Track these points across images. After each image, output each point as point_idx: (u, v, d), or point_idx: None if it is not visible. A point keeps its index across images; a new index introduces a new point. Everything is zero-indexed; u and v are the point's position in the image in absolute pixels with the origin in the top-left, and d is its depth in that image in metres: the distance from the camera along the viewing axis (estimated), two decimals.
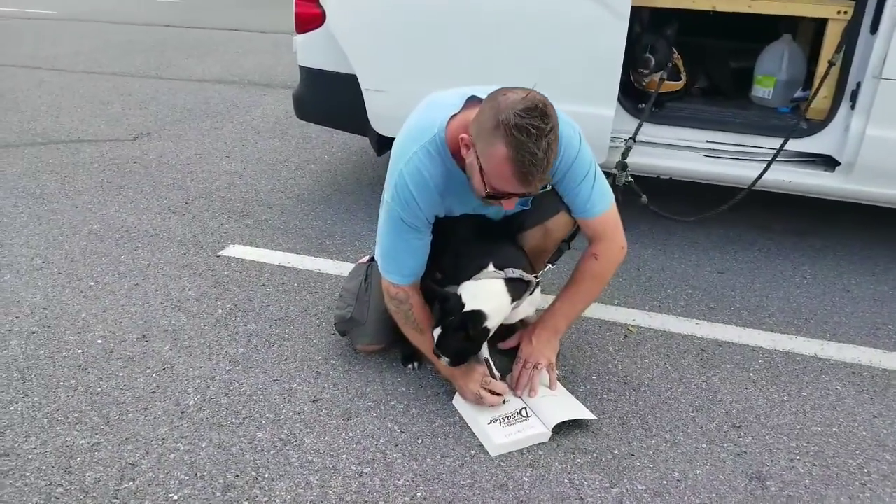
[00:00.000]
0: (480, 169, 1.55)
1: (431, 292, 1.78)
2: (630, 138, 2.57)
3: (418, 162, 1.68)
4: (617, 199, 2.32)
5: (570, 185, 1.75)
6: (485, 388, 1.78)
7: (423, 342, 1.84)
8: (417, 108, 1.81)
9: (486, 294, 1.73)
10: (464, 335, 1.70)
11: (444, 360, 1.75)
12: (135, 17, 9.08)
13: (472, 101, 1.69)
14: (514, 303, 1.78)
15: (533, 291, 1.84)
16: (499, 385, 1.80)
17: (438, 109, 1.71)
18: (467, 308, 1.70)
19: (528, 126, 1.44)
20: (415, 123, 1.75)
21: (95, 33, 7.80)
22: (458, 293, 1.72)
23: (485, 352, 1.87)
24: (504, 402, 1.82)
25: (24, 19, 8.92)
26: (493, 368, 1.85)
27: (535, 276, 1.82)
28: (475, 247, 1.83)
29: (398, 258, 1.80)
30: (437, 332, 1.72)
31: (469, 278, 1.75)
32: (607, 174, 2.15)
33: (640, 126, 2.61)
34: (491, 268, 1.75)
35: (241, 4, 10.52)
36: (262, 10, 9.68)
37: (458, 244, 1.87)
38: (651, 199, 2.62)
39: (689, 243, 2.86)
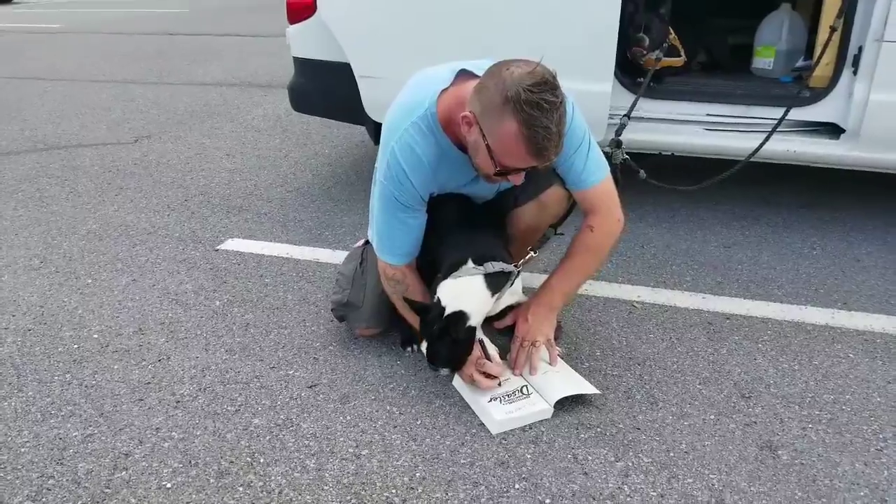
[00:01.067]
0: (488, 147, 1.49)
1: (413, 306, 1.73)
2: (625, 115, 2.52)
3: (409, 138, 1.64)
4: (615, 178, 2.28)
5: (564, 155, 1.69)
6: (479, 371, 1.73)
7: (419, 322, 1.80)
8: (407, 85, 1.76)
9: (465, 293, 1.67)
10: (450, 340, 1.65)
11: (443, 371, 1.72)
12: (139, 28, 9.14)
13: (463, 74, 1.65)
14: (496, 296, 1.72)
15: (513, 282, 1.77)
16: (494, 367, 1.75)
17: (428, 84, 1.67)
18: (448, 311, 1.65)
19: (540, 101, 1.38)
20: (405, 100, 1.71)
21: (99, 44, 7.86)
22: (438, 296, 1.67)
23: (479, 332, 1.82)
24: (500, 382, 1.76)
25: (31, 33, 9.01)
26: (488, 349, 1.80)
27: (516, 266, 1.76)
28: (455, 237, 1.78)
29: (393, 238, 1.76)
30: (424, 345, 1.69)
31: (447, 276, 1.70)
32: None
33: (635, 102, 2.55)
34: (470, 264, 1.70)
35: (243, 11, 10.56)
36: (264, 15, 9.71)
37: (442, 228, 1.82)
38: (649, 176, 2.56)
39: (694, 220, 2.81)
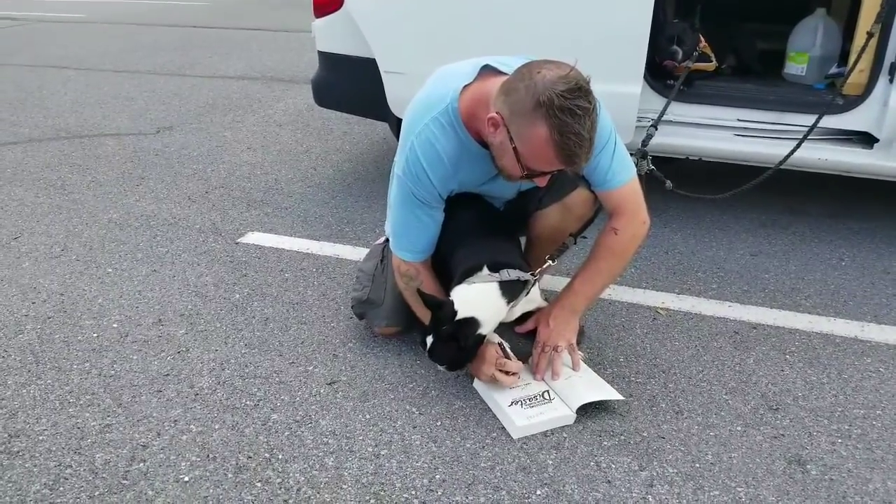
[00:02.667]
0: (515, 150, 1.46)
1: (425, 299, 1.70)
2: (652, 125, 2.46)
3: (430, 134, 1.62)
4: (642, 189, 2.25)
5: None
6: (499, 370, 1.71)
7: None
8: (429, 80, 1.74)
9: (479, 300, 1.65)
10: (457, 345, 1.64)
11: (441, 368, 1.71)
12: (162, 19, 9.19)
13: (486, 70, 1.62)
14: (511, 304, 1.70)
15: (530, 291, 1.74)
16: (513, 365, 1.72)
17: (450, 80, 1.64)
18: (460, 315, 1.62)
19: (573, 107, 1.35)
20: (426, 94, 1.69)
21: (123, 35, 7.90)
22: (451, 298, 1.65)
23: (495, 336, 1.80)
24: (526, 384, 1.75)
25: (55, 23, 9.07)
26: (507, 349, 1.78)
27: (533, 275, 1.73)
28: (471, 242, 1.75)
29: (409, 235, 1.75)
30: (430, 340, 1.67)
31: (462, 281, 1.67)
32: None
33: (665, 107, 2.51)
34: (485, 270, 1.67)
35: (266, 5, 10.59)
36: (289, 11, 9.73)
37: (457, 232, 1.79)
38: (676, 185, 2.50)
39: (719, 227, 2.76)
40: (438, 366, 1.73)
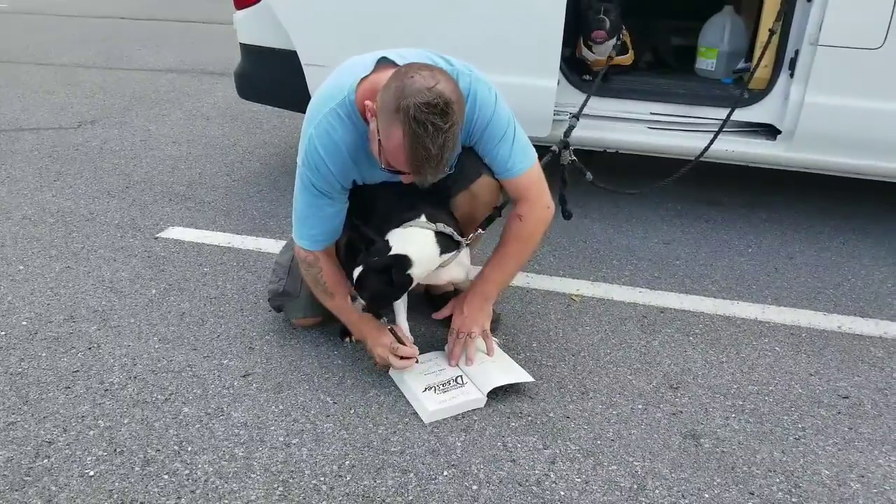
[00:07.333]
0: (379, 142, 1.53)
1: (360, 235, 1.70)
2: (573, 116, 2.52)
3: (327, 125, 1.65)
4: (563, 180, 2.30)
5: (488, 145, 1.72)
6: (393, 354, 1.74)
7: (334, 306, 1.82)
8: (332, 73, 1.76)
9: (414, 241, 1.67)
10: (386, 279, 1.65)
11: (359, 304, 1.68)
12: (89, 11, 8.87)
13: (383, 62, 1.66)
14: (443, 255, 1.72)
15: (460, 253, 1.78)
16: (406, 350, 1.76)
17: (349, 72, 1.68)
18: (394, 252, 1.64)
19: (427, 122, 1.42)
20: (326, 87, 1.72)
21: (48, 26, 7.60)
22: (386, 239, 1.67)
23: (402, 319, 1.83)
24: (441, 369, 1.78)
25: None
26: (403, 335, 1.81)
27: (465, 240, 1.77)
28: (406, 202, 1.76)
29: (308, 223, 1.77)
30: (358, 270, 1.66)
31: (399, 226, 1.69)
32: (546, 150, 2.13)
33: (586, 100, 2.57)
34: (423, 218, 1.70)
35: None
36: (222, 4, 9.52)
37: (391, 197, 1.79)
38: (597, 177, 2.56)
39: (636, 217, 2.85)
40: (356, 301, 1.68)
